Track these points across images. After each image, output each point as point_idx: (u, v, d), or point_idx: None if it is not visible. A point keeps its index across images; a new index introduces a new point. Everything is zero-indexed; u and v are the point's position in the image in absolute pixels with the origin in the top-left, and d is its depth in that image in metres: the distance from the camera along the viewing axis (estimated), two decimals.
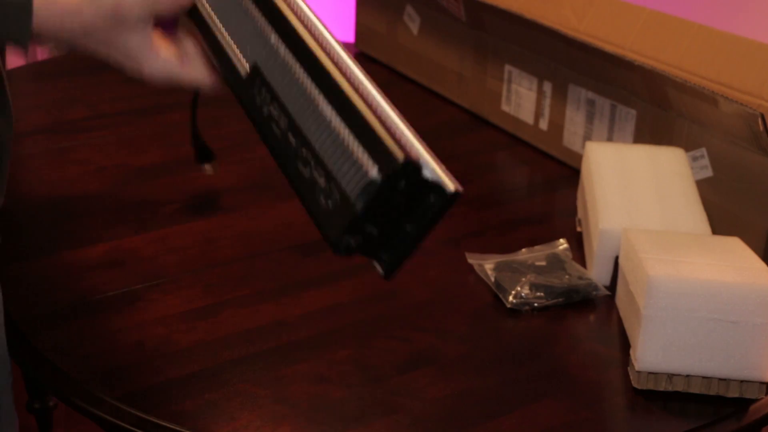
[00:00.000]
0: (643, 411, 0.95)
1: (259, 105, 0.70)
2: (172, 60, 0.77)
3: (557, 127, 1.47)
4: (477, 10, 1.54)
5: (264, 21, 0.72)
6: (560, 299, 1.09)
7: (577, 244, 1.22)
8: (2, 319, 0.97)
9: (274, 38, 0.71)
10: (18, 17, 0.71)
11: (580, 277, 1.11)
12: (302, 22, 0.72)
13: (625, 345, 1.02)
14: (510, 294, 1.08)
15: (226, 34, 0.73)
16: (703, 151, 1.24)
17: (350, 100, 0.64)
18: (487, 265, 1.14)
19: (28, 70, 1.82)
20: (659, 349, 0.94)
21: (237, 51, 0.72)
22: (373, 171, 0.61)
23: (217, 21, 0.74)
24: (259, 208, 1.28)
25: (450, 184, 0.62)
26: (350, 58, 0.70)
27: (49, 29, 0.73)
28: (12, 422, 0.99)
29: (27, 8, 0.71)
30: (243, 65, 0.71)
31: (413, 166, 0.61)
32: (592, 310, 1.10)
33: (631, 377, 0.97)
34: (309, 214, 0.66)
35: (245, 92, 0.71)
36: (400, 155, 0.60)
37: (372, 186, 0.61)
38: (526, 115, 1.52)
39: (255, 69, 0.70)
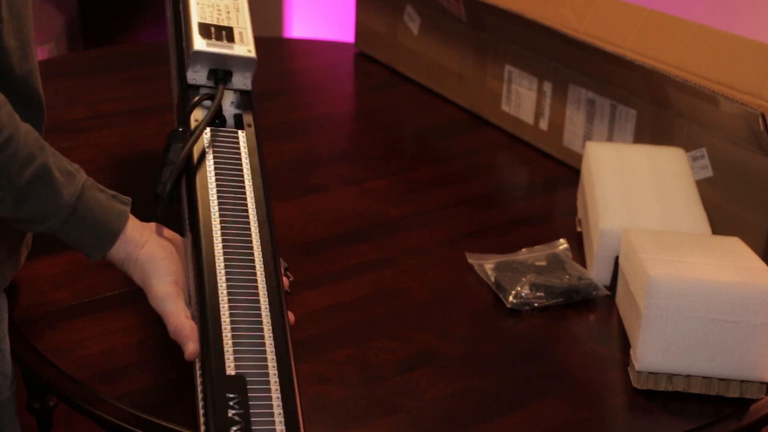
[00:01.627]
0: (643, 411, 0.95)
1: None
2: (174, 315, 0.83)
3: (557, 127, 1.47)
4: (477, 10, 1.54)
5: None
6: (560, 299, 1.09)
7: (577, 244, 1.22)
8: (6, 330, 0.97)
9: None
10: (103, 242, 0.84)
11: (580, 277, 1.11)
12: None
13: (625, 345, 1.02)
14: (510, 294, 1.09)
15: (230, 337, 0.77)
16: (703, 151, 1.24)
17: None
18: (487, 265, 1.14)
19: None
20: (659, 349, 0.94)
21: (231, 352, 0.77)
22: None
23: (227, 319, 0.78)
24: None
25: None
26: None
27: (119, 258, 0.85)
28: None
29: (113, 238, 0.84)
30: (230, 366, 0.75)
31: None
32: (592, 310, 1.10)
33: (631, 377, 0.97)
34: None
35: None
36: None
37: None
38: (526, 115, 1.52)
39: (241, 377, 0.74)
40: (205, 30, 0.91)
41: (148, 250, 0.84)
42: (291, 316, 0.83)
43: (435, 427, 0.91)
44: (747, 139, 1.16)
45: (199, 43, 0.89)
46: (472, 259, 1.17)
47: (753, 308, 0.93)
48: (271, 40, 2.09)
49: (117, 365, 0.96)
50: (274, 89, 1.70)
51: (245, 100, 0.91)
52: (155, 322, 1.03)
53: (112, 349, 0.99)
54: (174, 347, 0.99)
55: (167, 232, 0.88)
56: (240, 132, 0.89)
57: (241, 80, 0.91)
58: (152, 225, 0.88)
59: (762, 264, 0.98)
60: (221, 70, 0.90)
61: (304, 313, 1.06)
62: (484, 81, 1.60)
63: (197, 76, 0.90)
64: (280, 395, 0.72)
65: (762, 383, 0.95)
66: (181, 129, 0.85)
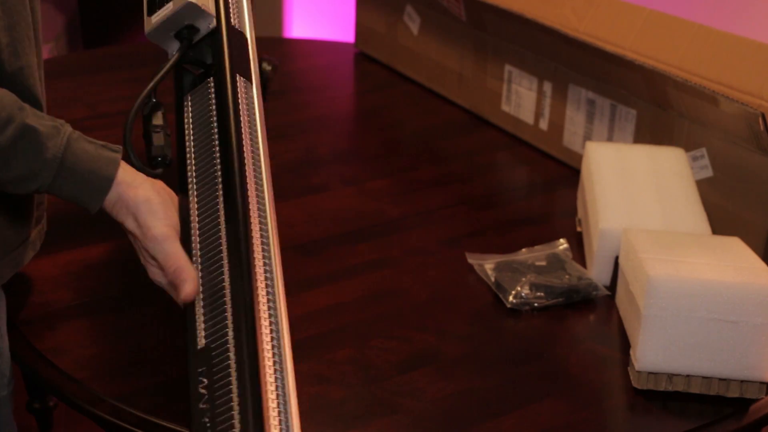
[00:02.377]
0: (643, 411, 0.95)
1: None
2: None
3: (557, 127, 1.47)
4: (477, 10, 1.54)
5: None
6: (560, 299, 1.09)
7: (577, 244, 1.22)
8: (5, 329, 0.97)
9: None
10: (98, 190, 0.83)
11: (580, 277, 1.11)
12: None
13: (625, 345, 1.02)
14: (510, 294, 1.08)
15: (201, 309, 0.76)
16: (703, 151, 1.24)
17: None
18: (487, 265, 1.14)
19: None
20: (659, 349, 0.94)
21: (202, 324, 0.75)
22: None
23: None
24: None
25: None
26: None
27: (110, 200, 0.84)
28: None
29: (107, 185, 0.83)
30: (200, 339, 0.74)
31: None
32: (592, 310, 1.10)
33: (631, 377, 0.97)
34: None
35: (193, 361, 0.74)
36: None
37: None
38: (526, 115, 1.52)
39: (208, 349, 0.73)
40: (151, 5, 0.90)
41: (144, 192, 0.83)
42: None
43: (435, 427, 0.91)
44: (747, 139, 1.16)
45: (146, 27, 0.89)
46: (472, 259, 1.17)
47: (753, 308, 0.93)
48: (271, 40, 2.09)
49: (117, 365, 0.96)
50: (274, 89, 1.70)
51: (215, 40, 0.90)
52: (155, 322, 1.03)
53: (112, 349, 0.99)
54: (173, 347, 0.99)
55: (164, 185, 0.87)
56: (210, 79, 0.88)
57: (205, 25, 0.90)
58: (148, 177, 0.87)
59: (762, 264, 0.98)
60: (181, 29, 0.89)
61: (304, 313, 1.06)
62: (484, 81, 1.60)
63: (173, 48, 0.90)
64: (236, 365, 0.69)
65: (762, 383, 0.95)
66: (154, 100, 0.89)
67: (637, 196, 1.15)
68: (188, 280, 0.77)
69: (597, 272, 1.13)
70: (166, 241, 0.80)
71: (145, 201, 0.82)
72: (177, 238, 0.81)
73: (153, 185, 0.85)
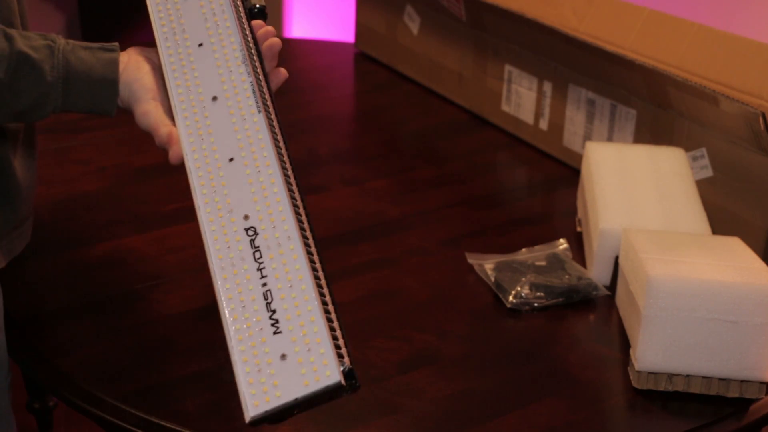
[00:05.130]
0: (643, 411, 0.95)
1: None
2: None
3: (557, 127, 1.47)
4: (477, 10, 1.54)
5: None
6: (560, 299, 1.09)
7: (577, 244, 1.22)
8: (2, 321, 0.97)
9: None
10: (109, 95, 0.86)
11: (580, 277, 1.11)
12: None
13: (625, 345, 1.02)
14: (510, 294, 1.09)
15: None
16: (703, 151, 1.24)
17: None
18: (487, 265, 1.14)
19: None
20: (659, 349, 0.94)
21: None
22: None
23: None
24: None
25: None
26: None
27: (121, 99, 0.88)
28: (9, 424, 0.99)
29: (114, 88, 0.86)
30: None
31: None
32: (592, 310, 1.10)
33: (631, 377, 0.97)
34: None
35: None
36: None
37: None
38: (526, 115, 1.52)
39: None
40: None
41: (128, 75, 0.86)
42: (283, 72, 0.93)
43: (435, 427, 0.91)
44: (747, 139, 1.16)
45: None
46: (472, 259, 1.17)
47: (753, 308, 0.93)
48: None
49: (117, 365, 0.96)
50: (273, 89, 1.70)
51: None
52: (155, 322, 1.03)
53: (112, 349, 0.99)
54: (174, 347, 0.99)
55: (144, 50, 0.90)
56: None
57: None
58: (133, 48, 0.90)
59: (762, 264, 0.98)
60: None
61: None
62: (484, 81, 1.60)
63: None
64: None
65: (762, 383, 0.95)
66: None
67: (637, 196, 1.15)
68: (173, 144, 0.82)
69: (597, 272, 1.13)
70: (148, 115, 0.84)
71: (132, 82, 0.86)
72: (157, 107, 0.85)
73: (134, 57, 0.88)
